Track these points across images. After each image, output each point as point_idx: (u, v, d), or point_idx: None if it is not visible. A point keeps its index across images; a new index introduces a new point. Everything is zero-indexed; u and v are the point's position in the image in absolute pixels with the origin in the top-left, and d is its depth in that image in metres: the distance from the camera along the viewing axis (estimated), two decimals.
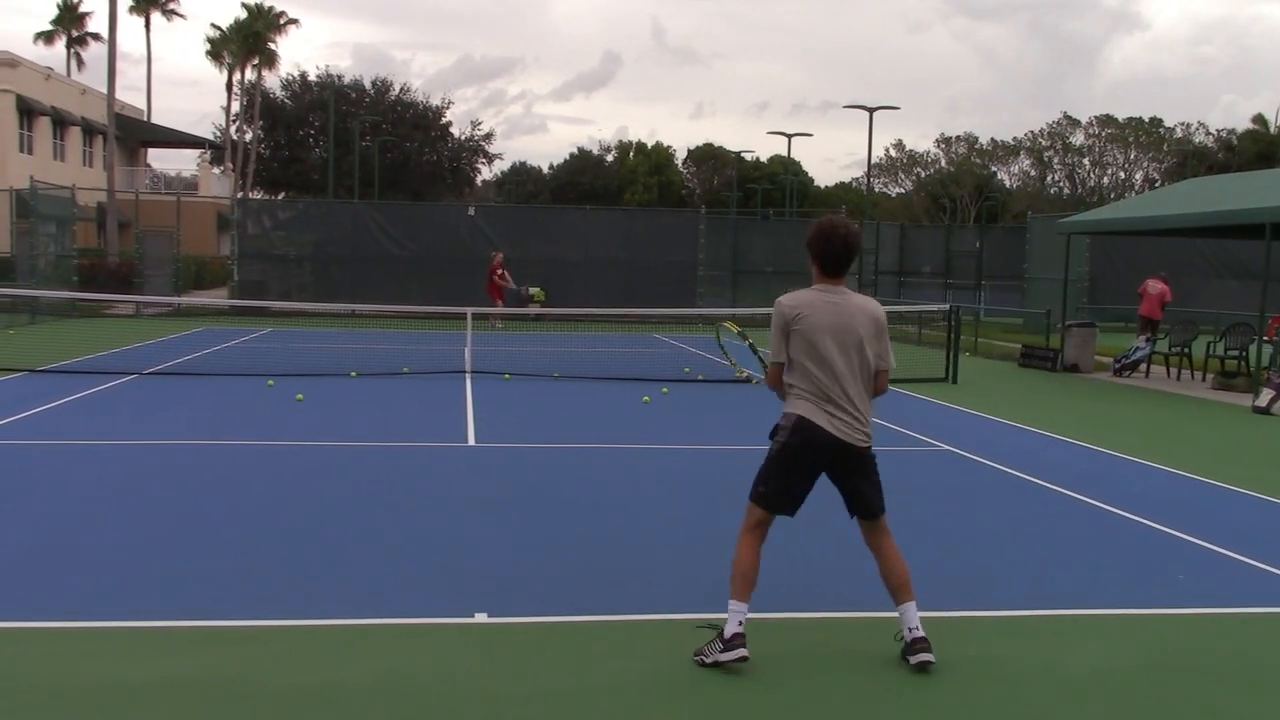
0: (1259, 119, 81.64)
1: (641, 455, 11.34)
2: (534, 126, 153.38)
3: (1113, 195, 79.06)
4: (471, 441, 11.83)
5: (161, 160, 72.83)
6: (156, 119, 67.05)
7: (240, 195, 51.02)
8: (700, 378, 18.17)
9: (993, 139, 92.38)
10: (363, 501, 8.80)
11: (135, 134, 58.66)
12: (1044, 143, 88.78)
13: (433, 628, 5.87)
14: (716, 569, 7.06)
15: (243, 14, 68.30)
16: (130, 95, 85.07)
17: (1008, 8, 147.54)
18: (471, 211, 34.94)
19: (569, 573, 6.95)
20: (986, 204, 79.46)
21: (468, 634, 5.79)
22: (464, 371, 17.69)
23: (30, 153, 46.92)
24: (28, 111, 46.95)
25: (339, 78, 73.10)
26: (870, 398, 5.58)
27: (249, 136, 67.47)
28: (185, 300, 29.75)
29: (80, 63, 74.01)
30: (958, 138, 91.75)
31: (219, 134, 71.05)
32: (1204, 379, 19.46)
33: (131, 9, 69.20)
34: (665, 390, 16.12)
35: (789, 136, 62.53)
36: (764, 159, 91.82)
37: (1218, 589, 7.00)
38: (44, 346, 19.76)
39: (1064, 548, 7.92)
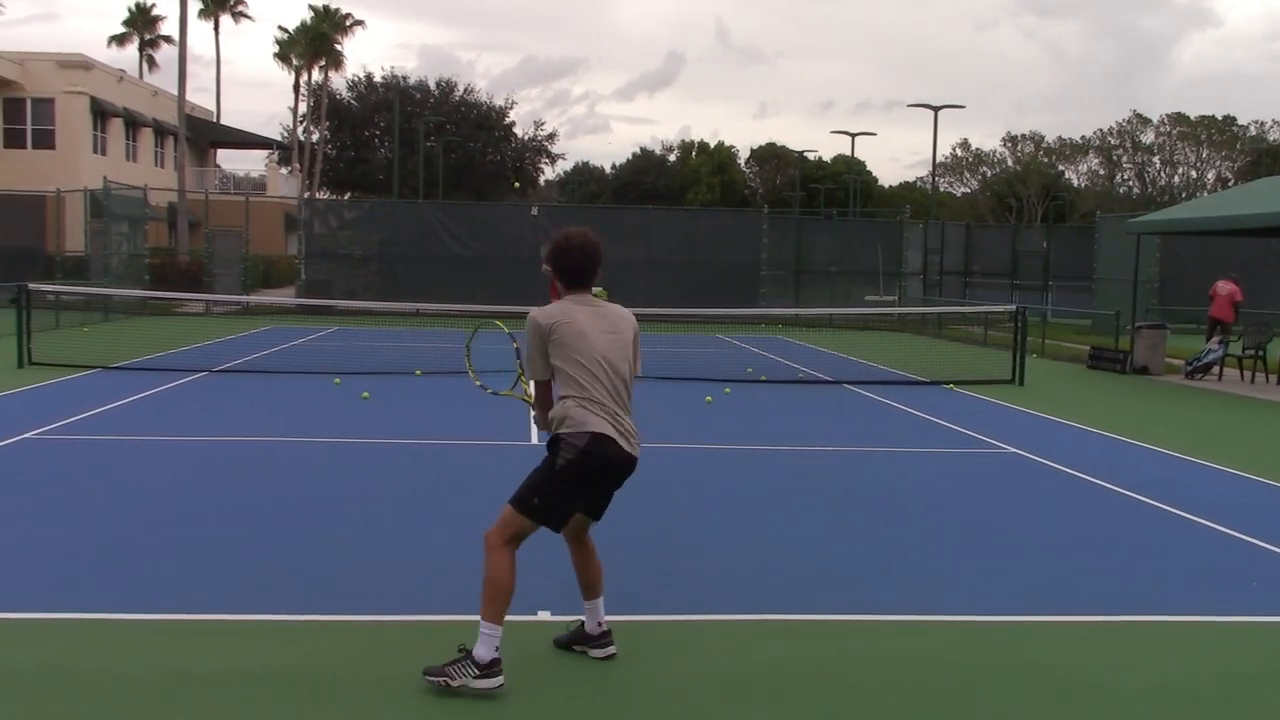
0: None
1: (704, 455, 11.32)
2: (597, 126, 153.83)
3: (1184, 195, 77.70)
4: (534, 440, 11.87)
5: (231, 161, 74.13)
6: (226, 120, 68.12)
7: (307, 195, 51.68)
8: (763, 378, 18.10)
9: (1060, 137, 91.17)
10: (427, 498, 8.87)
11: (205, 135, 59.59)
12: (1113, 141, 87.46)
13: None
14: (777, 570, 7.05)
15: (309, 16, 69.15)
16: (200, 97, 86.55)
17: (1077, 4, 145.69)
18: (534, 211, 35.10)
19: (631, 572, 6.95)
20: (1054, 204, 78.41)
21: (530, 632, 5.81)
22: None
23: (104, 154, 47.81)
24: (101, 113, 47.85)
25: (404, 79, 73.90)
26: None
27: (316, 137, 68.30)
28: (253, 299, 30.18)
29: (152, 64, 75.36)
30: (1024, 136, 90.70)
31: (286, 135, 71.99)
32: (1279, 382, 19.07)
33: (201, 12, 70.36)
34: (728, 390, 16.08)
35: (852, 136, 62.13)
36: (827, 158, 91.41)
37: None
38: (117, 344, 20.13)
39: (1132, 553, 7.79)
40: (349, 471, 9.93)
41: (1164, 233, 25.66)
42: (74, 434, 11.33)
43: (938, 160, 49.90)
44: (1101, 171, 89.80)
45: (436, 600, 6.30)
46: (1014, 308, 20.47)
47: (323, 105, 68.36)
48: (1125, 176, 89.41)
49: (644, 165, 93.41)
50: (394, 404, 14.17)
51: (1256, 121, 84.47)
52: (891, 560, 7.40)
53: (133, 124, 51.77)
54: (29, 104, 45.64)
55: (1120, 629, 6.15)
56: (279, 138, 70.93)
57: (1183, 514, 8.91)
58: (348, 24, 70.68)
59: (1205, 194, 72.29)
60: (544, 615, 6.04)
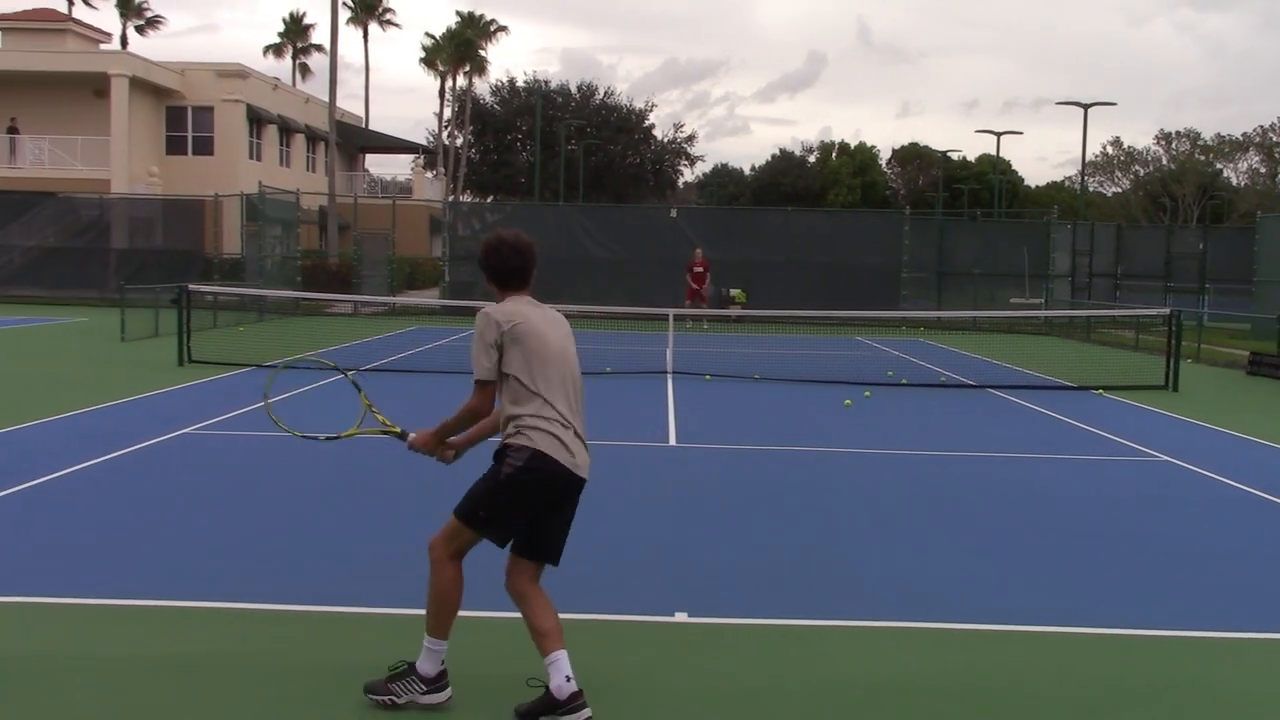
0: None
1: (842, 459, 11.20)
2: (737, 128, 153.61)
3: None
4: (673, 442, 11.91)
5: (378, 165, 75.82)
6: (374, 125, 69.91)
7: (451, 198, 52.69)
8: (904, 382, 17.83)
9: (1218, 134, 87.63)
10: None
11: (354, 140, 61.25)
12: (1275, 138, 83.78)
13: (633, 625, 5.93)
14: (917, 576, 6.94)
15: (455, 22, 70.52)
16: (350, 103, 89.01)
17: None
18: (674, 214, 35.19)
19: (770, 575, 6.93)
20: (1211, 203, 75.54)
21: (667, 632, 5.82)
22: (665, 372, 17.82)
23: (259, 159, 49.49)
24: (257, 120, 49.54)
25: (545, 83, 74.81)
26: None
27: (460, 141, 69.62)
28: (400, 300, 30.88)
29: (305, 72, 77.71)
30: (1179, 134, 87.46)
31: (432, 139, 73.54)
32: None
33: (350, 20, 72.29)
34: (868, 394, 15.89)
35: (998, 135, 60.74)
36: (971, 158, 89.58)
37: None
38: (270, 343, 20.80)
39: None
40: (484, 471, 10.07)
41: None
42: (229, 430, 11.76)
43: (1088, 159, 48.52)
44: (1263, 169, 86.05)
45: (583, 600, 6.35)
46: (1168, 311, 19.76)
47: (467, 110, 69.64)
48: None
49: (783, 167, 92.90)
50: None
51: None
52: (1036, 569, 7.22)
53: (286, 130, 53.48)
54: (190, 112, 47.50)
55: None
56: (424, 142, 72.53)
57: None
58: (492, 30, 71.86)
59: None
60: (680, 617, 6.03)
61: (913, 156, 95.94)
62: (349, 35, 75.23)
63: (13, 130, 43.35)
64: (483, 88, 74.28)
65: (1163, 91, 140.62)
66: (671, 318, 20.65)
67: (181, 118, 47.55)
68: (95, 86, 43.22)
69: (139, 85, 43.81)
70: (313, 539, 7.51)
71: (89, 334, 22.90)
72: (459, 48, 68.41)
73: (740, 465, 10.74)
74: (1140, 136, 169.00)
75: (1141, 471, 10.88)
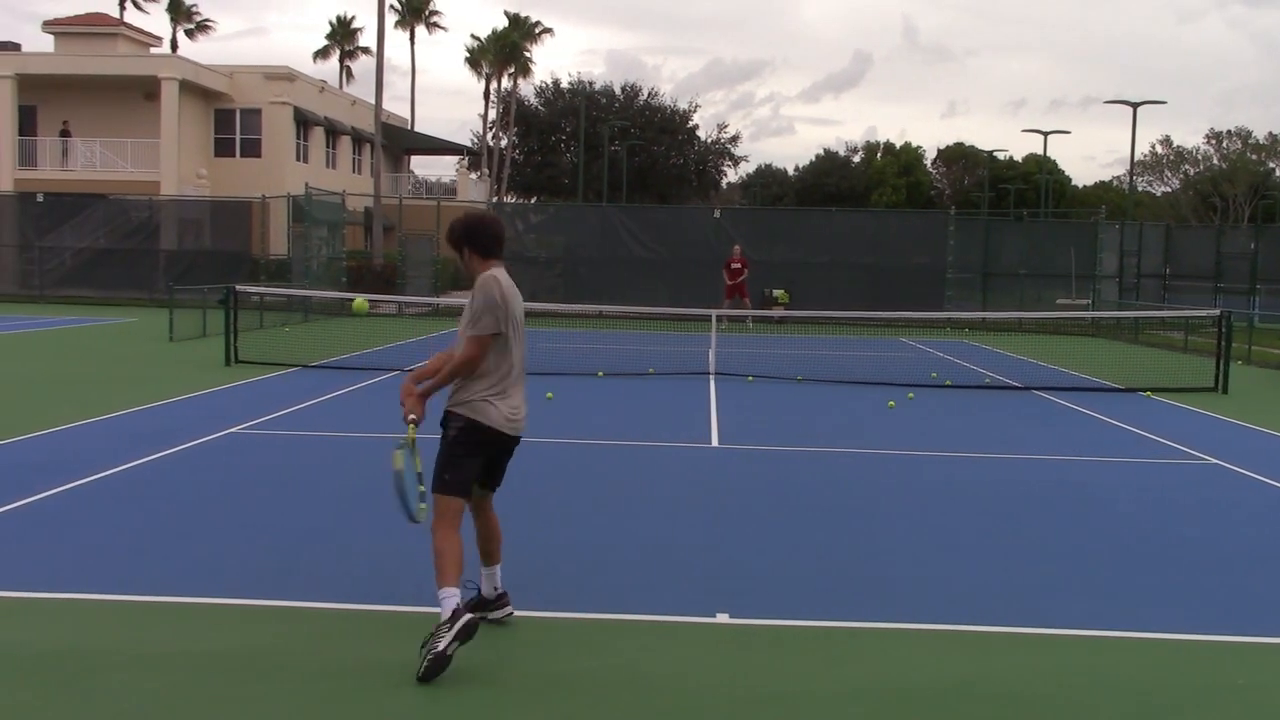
0: None
1: (886, 461, 11.15)
2: (781, 129, 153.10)
3: None
4: (715, 442, 11.91)
5: (423, 167, 76.25)
6: (419, 127, 70.31)
7: (495, 199, 52.94)
8: (948, 383, 17.72)
9: (1271, 133, 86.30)
10: (608, 499, 8.99)
11: (400, 142, 61.61)
12: None
13: (675, 626, 5.94)
14: (963, 579, 6.90)
15: (500, 24, 70.88)
16: (396, 105, 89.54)
17: None
18: (717, 214, 35.16)
19: (812, 576, 6.91)
20: (1263, 203, 74.42)
21: (709, 633, 5.83)
22: (708, 373, 17.81)
23: (305, 161, 49.92)
24: (304, 122, 49.97)
25: (589, 84, 74.97)
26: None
27: (504, 143, 69.90)
28: (444, 300, 31.01)
29: (350, 76, 78.35)
30: (1230, 132, 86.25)
31: (476, 141, 73.87)
32: None
33: (397, 23, 72.80)
34: (911, 395, 15.80)
35: (1045, 134, 60.19)
36: (1018, 158, 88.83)
37: None
38: (315, 343, 21.00)
39: None
40: (532, 471, 10.12)
41: None
42: (275, 429, 11.88)
43: (1136, 159, 47.97)
44: None
45: (625, 600, 6.36)
46: (1218, 312, 19.51)
47: (511, 111, 69.91)
48: None
49: (827, 167, 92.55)
50: (577, 404, 14.39)
51: None
52: (1080, 572, 7.15)
53: (332, 132, 53.91)
54: (238, 114, 47.99)
55: None
56: (469, 144, 72.87)
57: None
58: (537, 31, 72.12)
59: None
60: (722, 618, 6.04)
61: (958, 156, 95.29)
62: (396, 38, 75.74)
63: (65, 133, 44.00)
64: (527, 89, 74.59)
65: (1214, 90, 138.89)
66: (715, 318, 20.63)
67: (230, 120, 48.04)
68: (145, 90, 43.78)
69: (188, 88, 44.32)
70: (357, 538, 7.57)
71: (137, 334, 23.20)
72: (504, 49, 68.66)
73: (782, 467, 10.72)
74: (1190, 135, 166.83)
75: (1189, 474, 10.76)
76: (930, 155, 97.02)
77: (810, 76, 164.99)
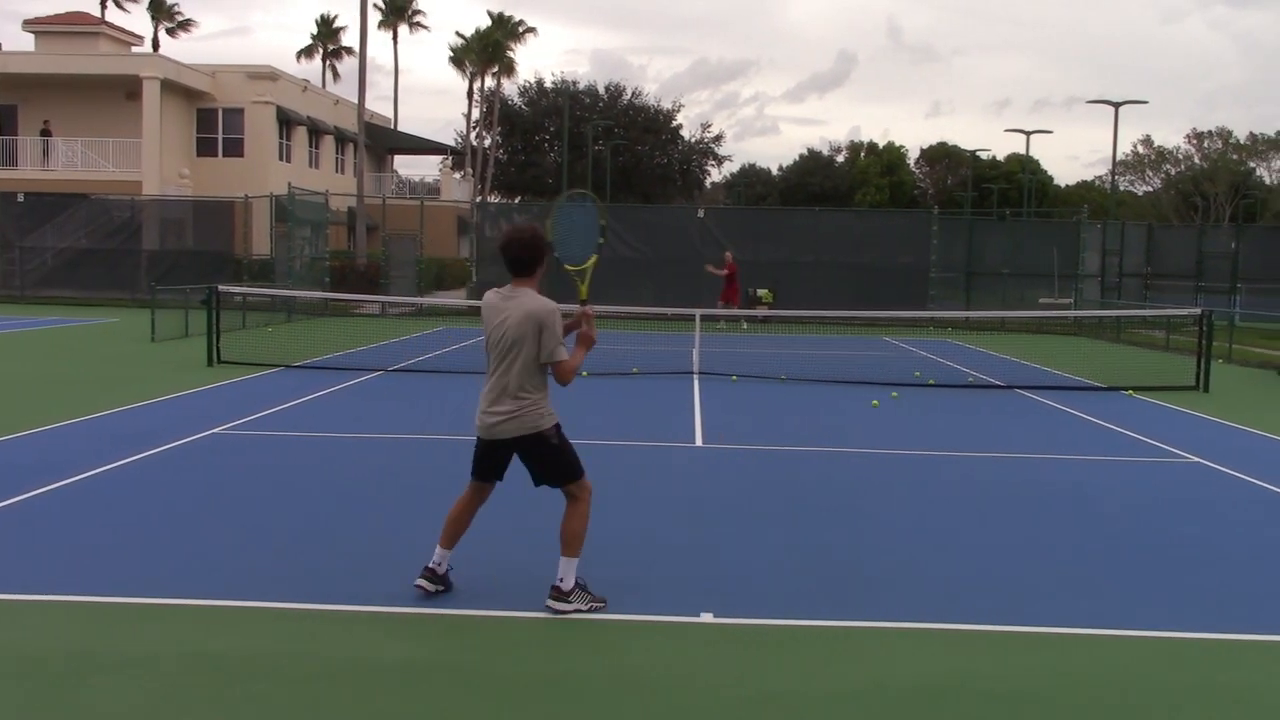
0: None
1: (869, 460, 11.17)
2: (765, 128, 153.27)
3: None
4: (699, 442, 11.91)
5: (407, 166, 76.09)
6: (403, 127, 70.16)
7: (479, 199, 52.84)
8: (931, 382, 17.77)
9: (1252, 133, 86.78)
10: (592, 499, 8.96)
11: (383, 141, 61.49)
12: None
13: (659, 625, 5.93)
14: (950, 578, 6.91)
15: (483, 23, 70.77)
16: (379, 104, 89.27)
17: None
18: (701, 214, 35.17)
19: (796, 575, 6.92)
20: (1244, 202, 74.83)
21: (693, 633, 5.83)
22: (692, 373, 17.82)
23: (288, 161, 49.76)
24: (286, 122, 49.82)
25: (573, 84, 74.90)
26: (536, 390, 6.16)
27: (488, 142, 69.79)
28: (427, 300, 31.00)
29: (336, 75, 78.16)
30: (1212, 132, 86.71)
31: (460, 140, 73.75)
32: None
33: (380, 23, 72.62)
34: (895, 395, 15.84)
35: (1027, 134, 60.38)
36: (1001, 158, 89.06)
37: None
38: (299, 343, 20.94)
39: None
40: (513, 470, 10.10)
41: None
42: (259, 429, 11.84)
43: (1119, 158, 48.16)
44: None
45: (608, 599, 6.36)
46: (1199, 311, 19.61)
47: (495, 111, 69.81)
48: None
49: (811, 167, 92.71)
50: (561, 404, 14.32)
51: None
52: (1064, 571, 7.18)
53: (315, 132, 53.75)
54: (220, 114, 47.81)
55: None
56: (453, 143, 72.74)
57: None
58: (520, 31, 72.03)
59: None
60: (706, 618, 6.04)
61: (941, 156, 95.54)
62: (379, 37, 75.53)
63: (45, 133, 43.77)
64: (511, 89, 74.52)
65: (1196, 90, 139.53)
66: (698, 318, 20.64)
67: (212, 119, 47.87)
68: (127, 89, 43.58)
69: (170, 87, 44.14)
70: (341, 539, 7.55)
71: (119, 334, 23.10)
72: (488, 49, 68.57)
73: (767, 466, 10.73)
74: (1172, 135, 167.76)
75: (1171, 473, 10.80)
76: (913, 155, 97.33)
77: (795, 76, 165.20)
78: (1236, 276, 34.65)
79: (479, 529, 7.85)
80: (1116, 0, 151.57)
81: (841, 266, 32.62)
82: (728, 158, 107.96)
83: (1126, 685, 5.24)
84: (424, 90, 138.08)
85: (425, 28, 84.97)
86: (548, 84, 75.39)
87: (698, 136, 79.00)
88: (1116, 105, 43.91)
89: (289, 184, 33.14)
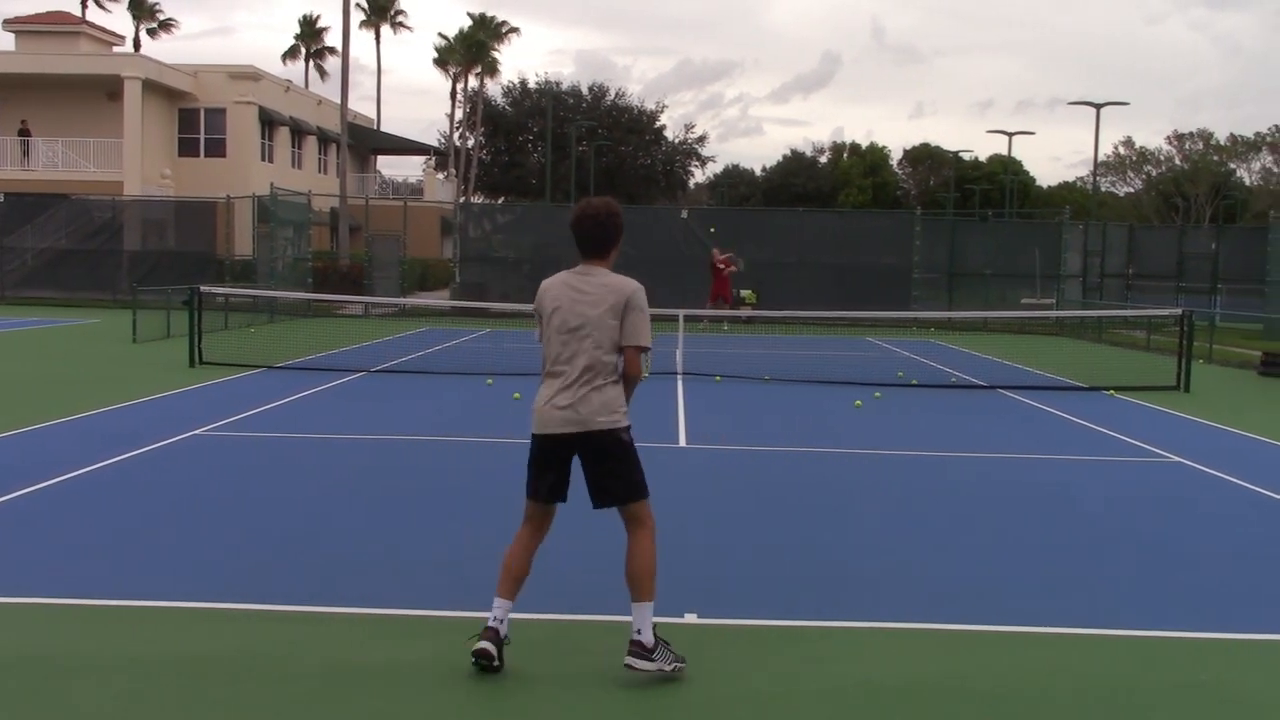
0: None
1: (853, 460, 11.19)
2: (750, 129, 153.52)
3: None
4: (682, 443, 11.92)
5: (390, 167, 75.96)
6: (386, 127, 70.01)
7: (462, 200, 52.79)
8: (914, 382, 17.81)
9: (1232, 135, 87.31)
10: (577, 500, 8.95)
11: (366, 142, 61.39)
12: None
13: None
14: (931, 578, 6.93)
15: (467, 25, 70.64)
16: (362, 105, 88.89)
17: None
18: (684, 214, 35.19)
19: (781, 576, 6.93)
20: (1224, 203, 75.24)
21: (677, 634, 5.82)
22: (675, 373, 17.82)
23: (271, 161, 49.63)
24: (269, 122, 49.69)
25: (557, 84, 74.87)
26: (609, 378, 5.31)
27: (471, 143, 69.71)
28: (410, 301, 30.92)
29: (322, 74, 77.94)
30: (1193, 134, 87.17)
31: (443, 141, 73.68)
32: None
33: (363, 24, 72.47)
34: (878, 395, 15.87)
35: (1009, 135, 60.75)
36: (983, 158, 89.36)
37: None
38: (281, 344, 20.87)
39: None
40: (500, 470, 10.10)
41: None
42: (241, 430, 11.80)
43: (1100, 159, 48.38)
44: (1276, 169, 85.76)
45: (591, 600, 6.36)
46: (1179, 311, 19.71)
47: (478, 111, 69.74)
48: None
49: (794, 167, 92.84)
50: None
51: None
52: (1048, 570, 7.20)
53: (298, 132, 53.62)
54: (202, 114, 47.65)
55: None
56: (436, 144, 72.66)
57: None
58: (504, 31, 71.99)
59: None
60: (690, 618, 6.04)
61: (924, 157, 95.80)
62: (362, 38, 75.34)
63: (24, 133, 43.54)
64: (494, 89, 74.47)
65: (1177, 91, 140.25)
66: (682, 319, 20.64)
67: (194, 120, 47.71)
68: (108, 89, 43.41)
69: (152, 87, 43.97)
70: (324, 540, 7.53)
71: (101, 335, 22.99)
72: (471, 49, 68.53)
73: (750, 466, 10.74)
74: (1154, 136, 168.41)
75: (1153, 472, 10.86)
76: (896, 156, 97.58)
77: (779, 77, 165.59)
78: (1217, 277, 34.88)
79: (461, 529, 7.86)
80: (1099, 2, 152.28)
81: (825, 267, 32.68)
82: (711, 158, 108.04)
83: (1110, 685, 5.26)
84: (407, 90, 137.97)
85: (408, 28, 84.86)
86: (531, 84, 75.41)
87: (681, 137, 79.14)
88: (1098, 106, 44.16)
89: (271, 184, 33.04)
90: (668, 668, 5.11)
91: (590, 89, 76.24)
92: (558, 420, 5.23)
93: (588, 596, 6.40)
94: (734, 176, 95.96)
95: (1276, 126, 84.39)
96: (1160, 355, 22.10)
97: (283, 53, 79.14)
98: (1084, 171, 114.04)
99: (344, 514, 8.30)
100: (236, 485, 9.24)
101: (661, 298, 26.81)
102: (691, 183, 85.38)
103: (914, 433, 13.00)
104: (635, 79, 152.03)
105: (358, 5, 70.19)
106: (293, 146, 53.43)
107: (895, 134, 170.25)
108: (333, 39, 77.73)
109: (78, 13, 60.54)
